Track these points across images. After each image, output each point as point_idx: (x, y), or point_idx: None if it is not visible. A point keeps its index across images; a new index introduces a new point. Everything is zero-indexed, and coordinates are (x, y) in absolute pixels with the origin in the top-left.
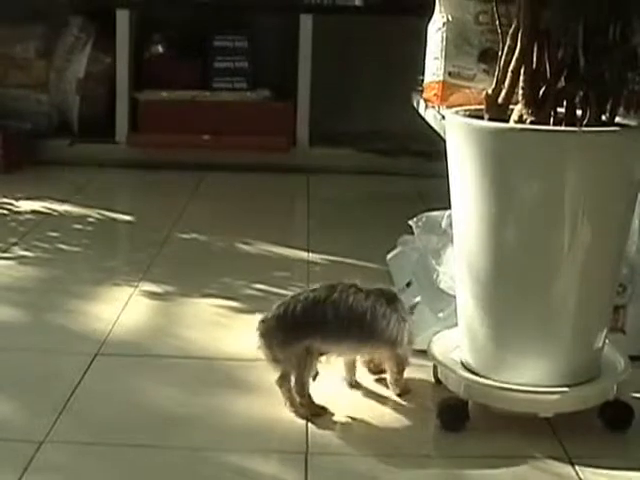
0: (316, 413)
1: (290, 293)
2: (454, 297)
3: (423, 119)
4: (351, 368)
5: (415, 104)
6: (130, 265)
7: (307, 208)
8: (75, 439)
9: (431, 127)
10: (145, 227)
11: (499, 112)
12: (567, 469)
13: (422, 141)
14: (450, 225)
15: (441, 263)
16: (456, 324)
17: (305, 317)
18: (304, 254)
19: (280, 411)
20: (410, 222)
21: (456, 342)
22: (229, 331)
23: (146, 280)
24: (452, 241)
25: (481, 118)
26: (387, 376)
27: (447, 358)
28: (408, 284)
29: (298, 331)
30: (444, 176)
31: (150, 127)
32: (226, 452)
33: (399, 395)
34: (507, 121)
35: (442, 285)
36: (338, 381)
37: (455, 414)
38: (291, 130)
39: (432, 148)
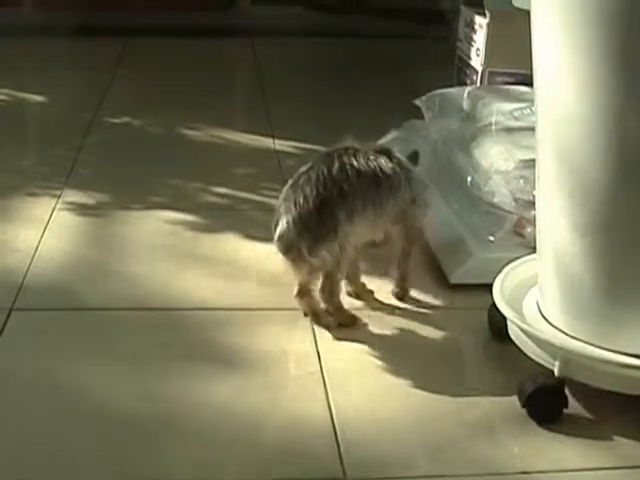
0: (349, 321)
1: (264, 198)
2: (504, 211)
3: None
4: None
5: None
6: (48, 165)
7: (258, 79)
8: None
9: None
10: (63, 110)
11: None
12: None
13: None
14: (473, 106)
15: (476, 161)
16: (527, 251)
17: (324, 204)
18: (269, 141)
19: (297, 398)
20: (417, 102)
21: (534, 283)
22: (193, 262)
23: (71, 186)
24: (489, 128)
25: None
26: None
27: (525, 309)
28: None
29: (325, 223)
30: (410, 36)
31: None
32: None
33: (402, 294)
34: None
35: (483, 193)
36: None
37: (548, 400)
38: None
39: (391, 4)
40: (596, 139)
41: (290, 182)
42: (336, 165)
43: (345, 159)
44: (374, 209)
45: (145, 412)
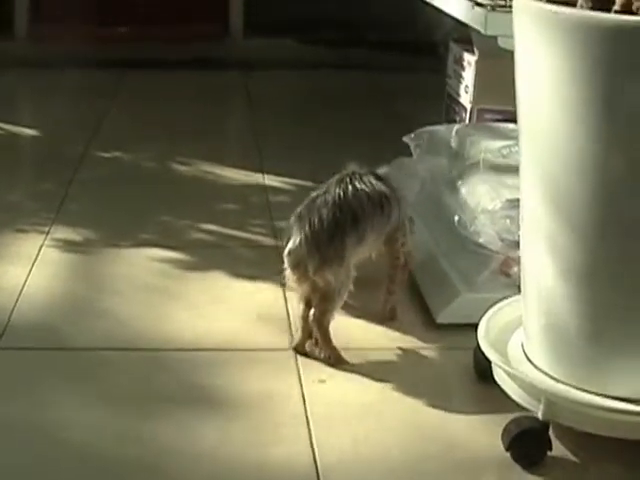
0: (334, 355)
1: (253, 236)
2: (490, 251)
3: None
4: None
5: None
6: (38, 200)
7: (249, 112)
8: None
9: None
10: (55, 144)
11: None
12: None
13: (378, 30)
14: (461, 144)
15: (463, 200)
16: (514, 291)
17: (337, 228)
18: (258, 176)
19: (280, 442)
20: (405, 139)
21: (520, 324)
22: (181, 301)
23: (60, 222)
24: (477, 166)
25: (567, 4)
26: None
27: (509, 353)
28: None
29: (335, 247)
30: (405, 69)
31: (56, 17)
32: None
33: (391, 315)
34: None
35: (469, 233)
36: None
37: (531, 443)
38: (222, 17)
39: (385, 36)
40: (579, 185)
41: (305, 203)
42: (350, 190)
43: (357, 184)
44: (377, 233)
45: (128, 456)
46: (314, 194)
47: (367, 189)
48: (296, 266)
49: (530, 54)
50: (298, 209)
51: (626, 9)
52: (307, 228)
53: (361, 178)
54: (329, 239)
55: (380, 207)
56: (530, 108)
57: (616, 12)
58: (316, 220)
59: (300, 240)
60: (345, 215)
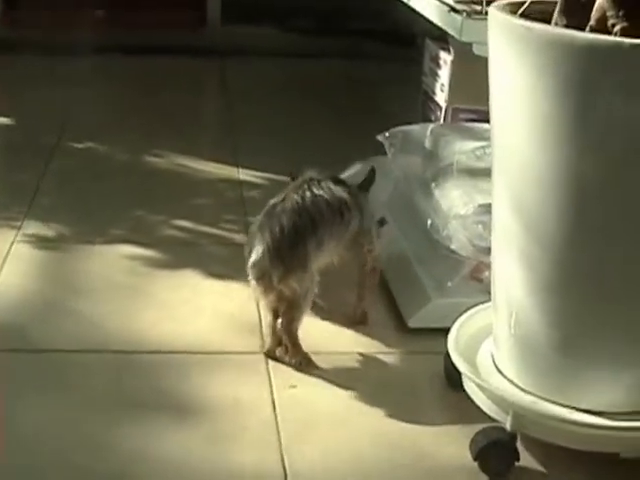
0: (304, 360)
1: (226, 233)
2: (462, 256)
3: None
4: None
5: None
6: (10, 193)
7: (226, 102)
8: None
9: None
10: (27, 133)
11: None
12: None
13: (358, 19)
14: (436, 144)
15: (437, 203)
16: (486, 296)
17: (297, 234)
18: (233, 170)
19: (249, 449)
20: (379, 138)
21: (490, 332)
22: (151, 301)
23: (32, 217)
24: (451, 168)
25: (542, 20)
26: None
27: (479, 362)
28: (381, 222)
29: (297, 255)
30: (385, 58)
31: (31, 1)
32: None
33: (362, 319)
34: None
35: (441, 237)
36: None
37: (499, 454)
38: (200, 4)
39: (364, 25)
40: (550, 198)
41: (264, 211)
42: (308, 196)
43: (315, 190)
44: (337, 238)
45: (96, 462)
46: (272, 201)
47: (326, 195)
48: (261, 277)
49: (503, 67)
50: (258, 217)
51: (601, 26)
52: (268, 238)
53: (319, 184)
54: (291, 247)
55: (339, 214)
56: (502, 120)
57: (591, 29)
58: (277, 229)
59: (263, 251)
60: (304, 221)
